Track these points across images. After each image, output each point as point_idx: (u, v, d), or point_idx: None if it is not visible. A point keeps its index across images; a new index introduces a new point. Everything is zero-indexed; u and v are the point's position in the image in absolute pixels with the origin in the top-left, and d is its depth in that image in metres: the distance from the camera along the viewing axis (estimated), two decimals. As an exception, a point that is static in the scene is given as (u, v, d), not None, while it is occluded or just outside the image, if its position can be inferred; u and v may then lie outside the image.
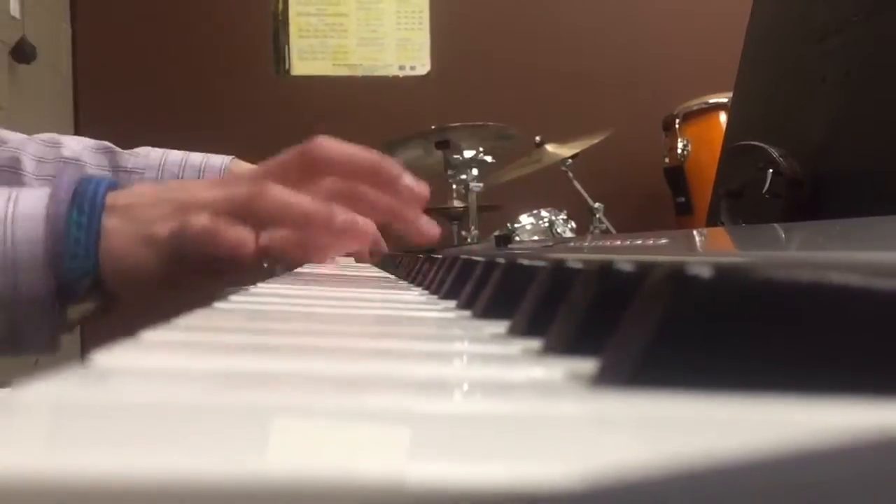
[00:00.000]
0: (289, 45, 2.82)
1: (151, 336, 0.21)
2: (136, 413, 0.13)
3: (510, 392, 0.17)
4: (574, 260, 0.27)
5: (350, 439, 0.13)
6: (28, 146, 0.77)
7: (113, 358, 0.17)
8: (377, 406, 0.15)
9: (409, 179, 0.61)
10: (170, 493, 0.10)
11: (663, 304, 0.17)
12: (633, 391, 0.16)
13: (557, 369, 0.19)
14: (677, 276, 0.17)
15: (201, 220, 0.53)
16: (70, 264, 0.52)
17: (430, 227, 0.65)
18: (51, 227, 0.52)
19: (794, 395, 0.16)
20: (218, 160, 0.82)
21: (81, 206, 0.53)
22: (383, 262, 1.04)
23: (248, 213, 0.54)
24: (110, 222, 0.54)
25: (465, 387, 0.18)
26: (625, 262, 0.22)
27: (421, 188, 0.62)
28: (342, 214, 0.56)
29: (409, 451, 0.13)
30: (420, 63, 2.77)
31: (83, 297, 0.54)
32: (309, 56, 2.82)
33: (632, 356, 0.17)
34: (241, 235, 0.53)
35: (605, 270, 0.22)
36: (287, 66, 2.81)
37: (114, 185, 0.56)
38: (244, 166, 0.81)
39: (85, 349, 2.29)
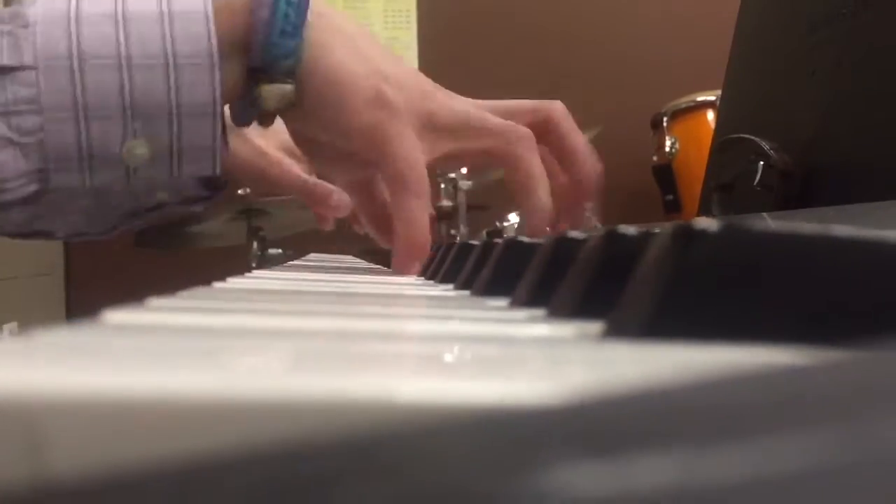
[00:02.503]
0: (276, 44, 2.81)
1: (156, 302, 0.21)
2: (141, 351, 0.13)
3: (516, 342, 0.17)
4: (576, 233, 0.27)
5: (347, 365, 0.13)
6: None
7: (120, 316, 0.17)
8: (377, 349, 0.15)
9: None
10: (169, 409, 0.10)
11: (672, 260, 0.17)
12: (641, 343, 0.16)
13: (566, 328, 0.19)
14: (685, 233, 0.17)
15: (419, 170, 0.52)
16: (275, 39, 0.48)
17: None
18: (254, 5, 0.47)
19: (798, 347, 0.17)
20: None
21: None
22: (370, 254, 1.04)
23: (503, 152, 0.55)
24: (337, 47, 0.50)
25: (470, 338, 0.18)
26: (629, 228, 0.22)
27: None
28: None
29: (402, 373, 0.13)
30: (408, 62, 2.77)
31: (280, 80, 0.49)
32: (297, 56, 2.81)
33: (640, 311, 0.17)
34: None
35: (612, 236, 0.22)
36: (275, 66, 2.80)
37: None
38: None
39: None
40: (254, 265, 1.89)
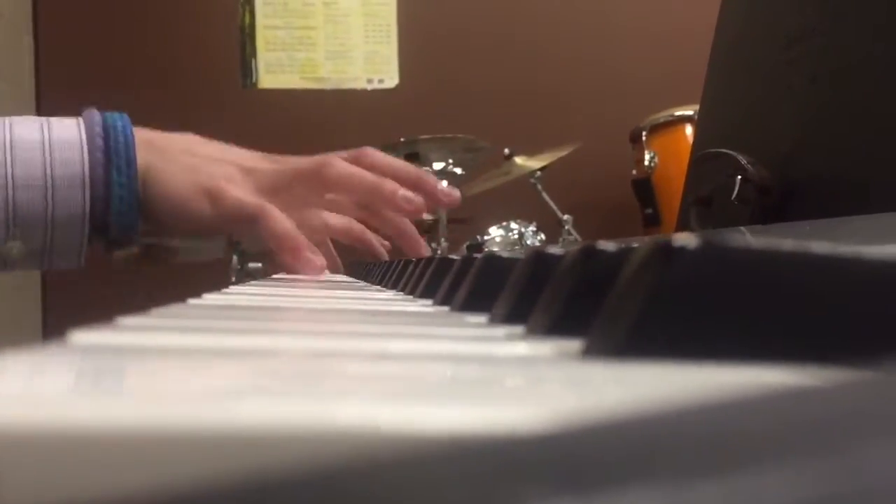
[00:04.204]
0: (256, 58, 2.80)
1: (126, 321, 0.20)
2: (105, 376, 0.13)
3: (495, 362, 0.17)
4: (556, 248, 0.27)
5: (322, 391, 0.13)
6: None
7: (88, 336, 0.17)
8: (353, 370, 0.15)
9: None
10: (130, 442, 0.09)
11: (650, 277, 0.17)
12: (620, 362, 0.16)
13: (544, 346, 0.19)
14: (664, 250, 0.17)
15: (284, 223, 0.58)
16: (116, 220, 0.57)
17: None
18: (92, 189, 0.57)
19: (778, 365, 0.16)
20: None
21: (119, 164, 0.57)
22: (352, 269, 1.04)
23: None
24: (167, 168, 0.59)
25: (449, 357, 0.18)
26: (608, 244, 0.22)
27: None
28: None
29: (382, 400, 0.12)
30: (388, 76, 2.77)
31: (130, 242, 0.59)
32: (276, 69, 2.81)
33: (620, 330, 0.17)
34: (312, 259, 0.59)
35: (590, 252, 0.22)
36: (254, 80, 2.80)
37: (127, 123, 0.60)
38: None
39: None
40: (233, 279, 1.87)
